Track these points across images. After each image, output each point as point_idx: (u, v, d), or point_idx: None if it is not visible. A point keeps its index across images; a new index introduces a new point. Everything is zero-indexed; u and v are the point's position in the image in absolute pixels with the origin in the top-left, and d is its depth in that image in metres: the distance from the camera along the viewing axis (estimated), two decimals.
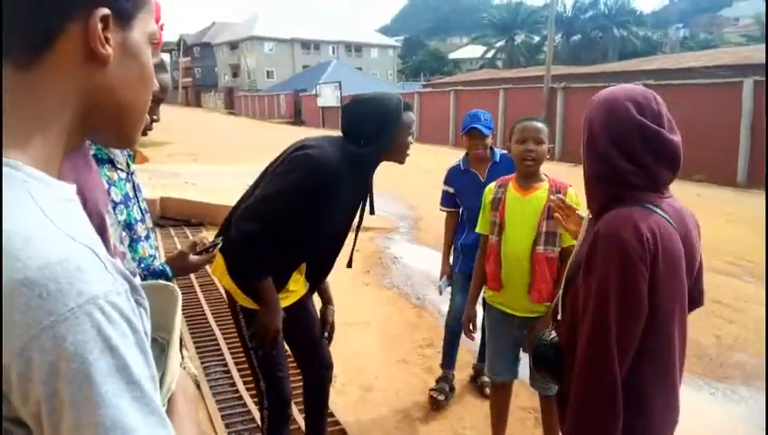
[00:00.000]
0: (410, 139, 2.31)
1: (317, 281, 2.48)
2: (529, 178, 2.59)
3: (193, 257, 1.77)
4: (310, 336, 2.50)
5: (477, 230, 2.81)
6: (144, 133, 1.68)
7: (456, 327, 3.34)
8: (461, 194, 3.36)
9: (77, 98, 0.65)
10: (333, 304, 2.61)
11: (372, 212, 2.42)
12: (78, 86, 0.64)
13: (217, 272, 2.29)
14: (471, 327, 2.86)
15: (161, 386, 0.81)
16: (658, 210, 1.41)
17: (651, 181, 1.43)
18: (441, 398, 3.30)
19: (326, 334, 2.57)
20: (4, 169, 0.59)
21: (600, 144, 1.46)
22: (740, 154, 12.97)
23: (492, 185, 2.75)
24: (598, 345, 1.37)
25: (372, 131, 2.22)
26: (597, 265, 1.40)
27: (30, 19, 0.61)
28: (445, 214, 3.52)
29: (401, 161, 2.33)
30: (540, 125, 2.57)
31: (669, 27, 72.95)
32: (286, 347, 2.45)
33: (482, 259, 2.74)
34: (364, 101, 2.29)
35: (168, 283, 0.96)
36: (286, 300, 2.32)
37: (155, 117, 1.69)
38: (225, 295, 2.51)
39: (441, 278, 3.48)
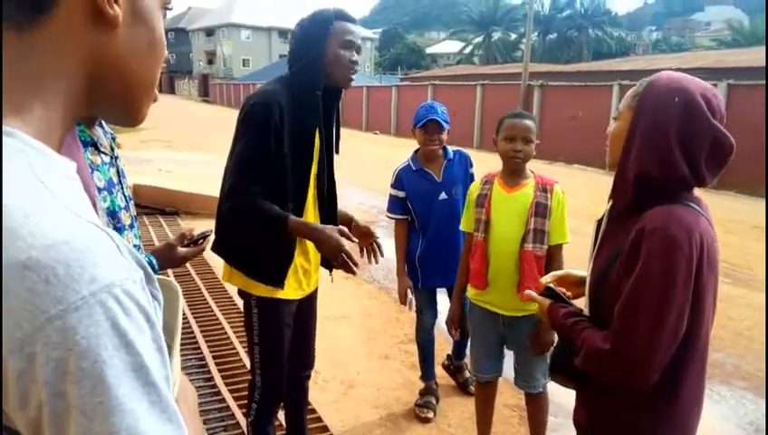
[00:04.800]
0: (348, 53, 2.06)
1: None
2: (515, 174, 2.53)
3: (181, 249, 1.68)
4: (302, 334, 2.43)
5: (462, 228, 2.75)
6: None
7: (427, 341, 3.26)
8: (414, 198, 3.08)
9: (81, 64, 0.57)
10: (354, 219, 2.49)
11: (337, 151, 2.31)
12: (83, 51, 0.57)
13: (225, 277, 2.26)
14: (455, 328, 2.83)
15: None
16: (695, 207, 1.33)
17: (694, 183, 1.34)
18: (430, 415, 3.14)
19: (373, 245, 2.42)
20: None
21: (665, 143, 1.31)
22: None
23: (477, 181, 2.68)
24: (626, 343, 1.30)
25: (303, 47, 2.05)
26: (640, 261, 1.30)
27: None
28: (393, 222, 3.21)
29: (343, 82, 2.10)
30: (530, 124, 2.48)
31: (643, 29, 74.11)
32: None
33: (466, 258, 2.67)
34: (300, 21, 2.13)
35: (170, 279, 0.88)
36: (304, 289, 2.27)
37: None
38: (236, 298, 2.39)
39: (407, 295, 3.13)
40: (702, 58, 24.02)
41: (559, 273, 1.74)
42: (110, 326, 0.48)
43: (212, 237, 1.84)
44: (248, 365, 3.47)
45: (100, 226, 0.52)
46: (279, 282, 2.16)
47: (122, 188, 1.70)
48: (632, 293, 1.30)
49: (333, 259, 1.99)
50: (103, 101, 0.63)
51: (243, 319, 4.16)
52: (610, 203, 1.49)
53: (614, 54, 43.31)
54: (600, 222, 1.54)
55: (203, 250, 1.74)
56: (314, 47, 2.04)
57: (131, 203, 1.75)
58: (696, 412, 1.43)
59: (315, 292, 2.43)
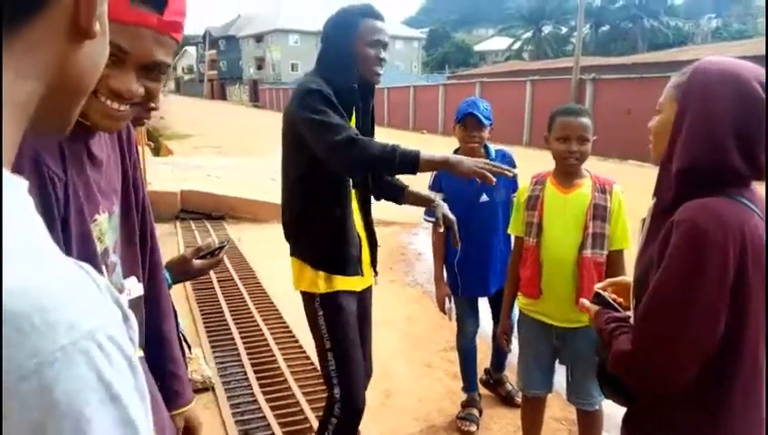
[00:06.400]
0: (375, 50, 2.05)
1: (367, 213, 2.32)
2: (570, 175, 2.35)
3: (196, 262, 1.60)
4: (353, 335, 2.30)
5: (510, 232, 2.59)
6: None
7: (469, 351, 3.10)
8: (453, 200, 2.84)
9: (47, 76, 0.52)
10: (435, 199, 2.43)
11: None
12: (55, 61, 0.51)
13: (296, 282, 2.22)
14: (506, 339, 2.67)
15: None
16: (746, 201, 1.18)
17: (751, 175, 1.20)
18: (473, 428, 2.99)
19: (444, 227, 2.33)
20: None
21: (717, 131, 1.18)
22: None
23: (526, 183, 2.51)
24: (647, 344, 1.21)
25: (332, 47, 2.05)
26: (666, 255, 1.18)
27: None
28: (431, 226, 3.14)
29: (370, 77, 2.09)
30: (585, 121, 2.27)
31: (701, 17, 71.13)
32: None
33: (516, 264, 2.51)
34: (327, 20, 2.11)
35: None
36: (363, 280, 2.24)
37: (153, 104, 1.51)
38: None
39: (446, 303, 2.97)
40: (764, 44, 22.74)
41: (615, 279, 1.63)
42: (94, 378, 0.42)
43: (232, 246, 1.76)
44: (287, 375, 3.43)
45: (75, 261, 0.47)
46: (349, 268, 2.14)
47: None
48: (655, 289, 1.20)
49: (473, 174, 1.88)
50: (45, 114, 0.55)
51: (284, 327, 4.13)
52: (654, 201, 1.36)
53: (671, 45, 41.64)
54: (644, 222, 1.41)
55: (220, 261, 1.66)
56: (343, 48, 2.03)
57: None
58: (750, 429, 1.26)
59: (370, 293, 2.37)
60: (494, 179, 1.87)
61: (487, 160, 1.88)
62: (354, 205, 2.22)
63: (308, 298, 2.19)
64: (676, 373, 1.18)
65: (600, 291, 1.52)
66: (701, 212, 1.16)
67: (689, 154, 1.21)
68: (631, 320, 1.37)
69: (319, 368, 2.34)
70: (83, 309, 0.43)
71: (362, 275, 2.21)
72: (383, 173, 1.93)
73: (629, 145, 15.20)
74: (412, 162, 1.88)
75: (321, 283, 2.15)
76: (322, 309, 2.16)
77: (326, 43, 2.10)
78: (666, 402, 1.28)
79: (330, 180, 2.07)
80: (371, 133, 2.26)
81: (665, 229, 1.21)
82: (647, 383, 1.27)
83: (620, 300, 1.50)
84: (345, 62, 2.03)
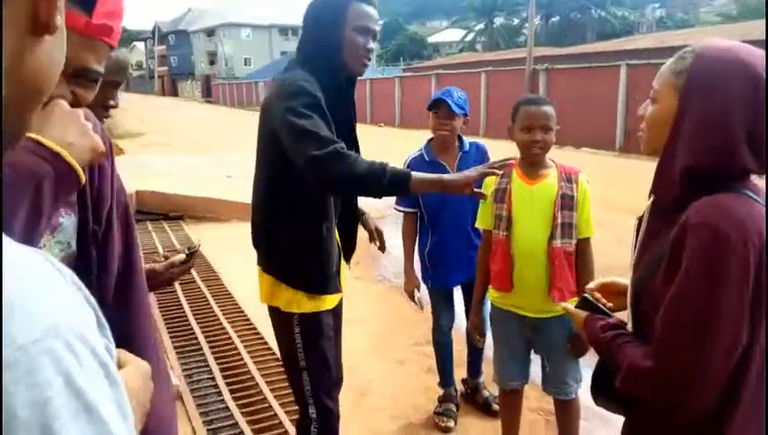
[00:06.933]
0: (364, 38, 1.85)
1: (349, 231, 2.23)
2: (535, 165, 2.34)
3: (167, 272, 1.51)
4: (330, 351, 2.17)
5: (478, 225, 2.56)
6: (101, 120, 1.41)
7: (445, 345, 3.07)
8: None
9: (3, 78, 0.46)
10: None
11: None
12: (8, 62, 0.45)
13: (265, 297, 2.03)
14: (478, 334, 2.65)
15: None
16: (751, 194, 1.11)
17: (756, 170, 1.14)
18: (450, 423, 2.94)
19: (377, 243, 2.45)
20: None
21: (730, 125, 1.08)
22: None
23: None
24: (671, 368, 1.10)
25: (319, 33, 1.86)
26: (683, 263, 1.09)
27: None
28: (402, 215, 3.02)
29: (357, 69, 1.91)
30: (548, 110, 2.27)
31: (646, 7, 73.17)
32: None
33: (485, 258, 2.48)
34: (313, 1, 1.93)
35: None
36: (340, 291, 2.11)
37: (112, 102, 1.42)
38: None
39: (414, 294, 2.94)
40: (707, 33, 23.59)
41: (602, 280, 1.53)
42: (62, 384, 0.35)
43: (205, 247, 1.67)
44: (258, 379, 3.33)
45: (40, 252, 0.42)
46: (330, 286, 2.01)
47: None
48: (675, 300, 1.11)
49: (469, 191, 1.76)
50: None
51: (251, 329, 4.02)
52: (652, 198, 1.27)
53: (618, 34, 42.68)
54: (640, 220, 1.32)
55: (191, 267, 1.57)
56: (332, 34, 1.84)
57: None
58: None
59: (342, 300, 2.24)
60: (486, 194, 1.82)
61: (478, 168, 1.76)
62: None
63: (282, 316, 2.02)
64: (702, 389, 1.09)
65: (587, 295, 1.43)
66: (716, 212, 1.08)
67: (697, 151, 1.12)
68: (629, 326, 1.30)
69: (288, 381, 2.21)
70: (48, 303, 0.38)
71: (341, 291, 2.09)
72: (371, 194, 1.74)
73: (583, 133, 15.52)
74: (402, 183, 1.70)
75: (302, 303, 1.97)
76: (301, 329, 1.99)
77: (309, 28, 1.90)
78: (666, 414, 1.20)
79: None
80: (353, 130, 2.10)
81: (675, 229, 1.12)
82: (668, 401, 1.16)
83: (611, 305, 1.41)
84: (331, 50, 1.84)
